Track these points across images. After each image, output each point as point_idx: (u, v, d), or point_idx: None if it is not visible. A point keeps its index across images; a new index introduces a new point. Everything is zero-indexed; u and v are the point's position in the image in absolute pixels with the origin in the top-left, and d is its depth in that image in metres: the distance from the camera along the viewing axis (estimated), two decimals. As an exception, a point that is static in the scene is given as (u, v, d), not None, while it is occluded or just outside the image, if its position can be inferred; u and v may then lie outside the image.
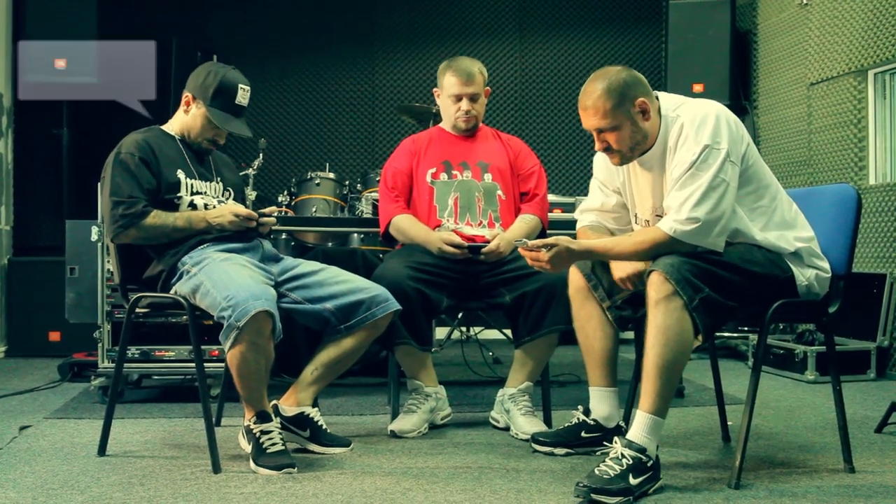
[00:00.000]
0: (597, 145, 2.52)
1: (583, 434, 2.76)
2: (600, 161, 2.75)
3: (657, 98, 2.51)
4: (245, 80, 2.91)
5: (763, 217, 2.48)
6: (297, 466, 2.54)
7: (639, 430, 2.32)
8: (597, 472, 2.27)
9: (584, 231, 2.78)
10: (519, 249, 2.56)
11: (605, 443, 2.67)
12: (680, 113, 2.45)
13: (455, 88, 3.31)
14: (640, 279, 2.53)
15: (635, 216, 2.67)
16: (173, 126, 2.95)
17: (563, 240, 2.47)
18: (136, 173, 2.73)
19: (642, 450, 2.29)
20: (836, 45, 4.90)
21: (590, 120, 2.47)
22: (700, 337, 2.34)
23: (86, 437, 3.01)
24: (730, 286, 2.36)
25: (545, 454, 2.75)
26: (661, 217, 2.47)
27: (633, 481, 2.25)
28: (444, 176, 3.32)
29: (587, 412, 2.78)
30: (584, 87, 2.49)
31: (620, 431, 2.73)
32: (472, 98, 3.31)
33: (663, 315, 2.29)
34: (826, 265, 2.52)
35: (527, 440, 2.89)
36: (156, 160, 2.78)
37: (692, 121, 2.40)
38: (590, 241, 2.54)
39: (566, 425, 2.82)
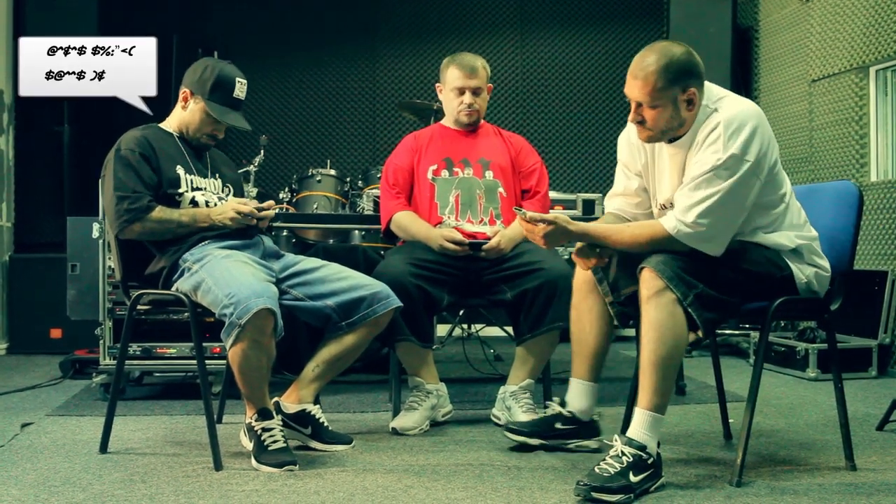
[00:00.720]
0: (631, 115, 2.44)
1: (557, 425, 2.76)
2: (624, 143, 2.70)
3: None
4: (242, 74, 2.91)
5: (772, 224, 2.46)
6: (298, 464, 2.54)
7: (638, 426, 2.32)
8: (597, 470, 2.27)
9: (605, 217, 2.75)
10: (518, 218, 2.54)
11: (578, 436, 2.74)
12: (719, 107, 2.38)
13: (458, 81, 3.30)
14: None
15: (655, 200, 2.62)
16: (171, 123, 2.95)
17: (561, 218, 2.44)
18: (138, 169, 2.73)
19: (642, 447, 2.28)
20: (837, 41, 4.89)
21: (635, 91, 2.39)
22: (701, 332, 2.33)
23: (87, 434, 3.01)
24: (725, 282, 2.35)
25: (518, 444, 2.75)
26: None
27: (633, 479, 2.24)
28: (445, 173, 3.31)
29: (563, 403, 2.78)
30: (642, 52, 2.39)
31: (595, 424, 2.76)
32: (475, 92, 3.31)
33: (655, 310, 2.30)
34: (826, 264, 2.51)
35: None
36: (155, 156, 2.78)
37: (728, 123, 2.32)
38: (589, 224, 2.51)
39: (541, 415, 2.82)
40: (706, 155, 2.34)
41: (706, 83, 2.44)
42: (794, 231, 2.48)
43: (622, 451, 2.29)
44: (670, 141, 2.47)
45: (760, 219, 2.45)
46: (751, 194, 2.35)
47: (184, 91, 2.89)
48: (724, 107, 2.38)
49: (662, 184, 2.57)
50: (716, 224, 2.32)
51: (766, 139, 2.36)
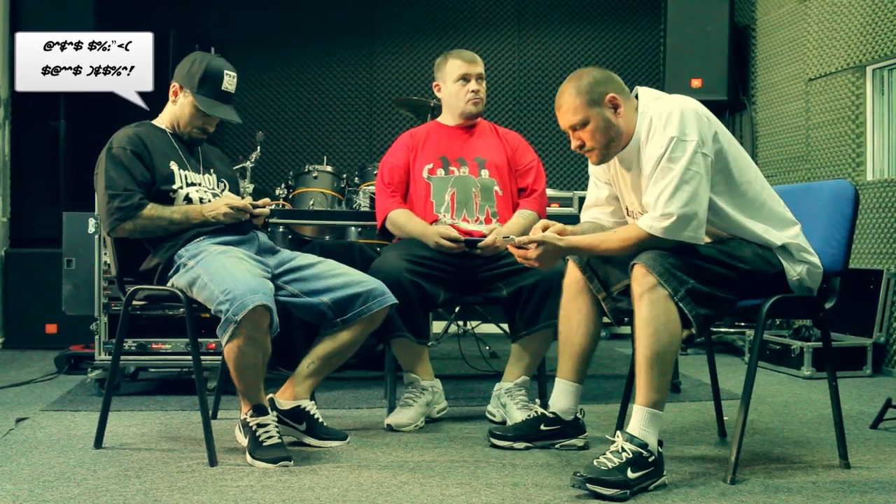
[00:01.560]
0: (572, 143, 2.54)
1: (542, 427, 2.77)
2: None
3: (637, 96, 2.53)
4: (231, 66, 2.91)
5: (748, 211, 2.48)
6: (293, 459, 2.54)
7: (637, 423, 2.32)
8: (595, 462, 2.27)
9: (581, 225, 2.78)
10: (507, 246, 2.57)
11: (564, 435, 2.75)
12: (650, 108, 2.46)
13: (462, 69, 3.32)
14: None
15: (626, 209, 2.67)
16: (163, 119, 2.94)
17: (549, 236, 2.48)
18: (130, 167, 2.73)
19: (643, 444, 2.28)
20: (834, 40, 4.90)
21: (563, 118, 2.51)
22: (694, 330, 2.34)
23: (82, 429, 3.01)
24: (717, 278, 2.37)
25: (504, 449, 2.75)
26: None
27: (631, 475, 2.24)
28: (440, 172, 3.31)
29: (545, 405, 2.79)
30: (559, 88, 2.53)
31: (579, 422, 2.77)
32: (479, 77, 3.34)
33: (648, 306, 2.31)
34: (816, 259, 2.52)
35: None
36: (148, 153, 2.78)
37: (660, 115, 2.40)
38: (576, 238, 2.54)
39: (525, 419, 2.83)
40: (651, 150, 2.41)
41: (644, 90, 2.54)
42: (776, 224, 2.50)
43: (623, 447, 2.29)
44: (618, 152, 2.53)
45: (735, 207, 2.46)
46: (705, 171, 2.37)
47: (174, 85, 2.89)
48: (654, 106, 2.46)
49: (628, 195, 2.63)
50: (683, 209, 2.33)
51: (703, 118, 2.41)
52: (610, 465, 2.26)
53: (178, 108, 2.89)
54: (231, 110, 2.91)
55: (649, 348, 2.30)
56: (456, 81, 3.33)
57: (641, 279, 2.32)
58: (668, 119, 2.38)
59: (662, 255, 2.33)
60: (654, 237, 2.37)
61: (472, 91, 3.32)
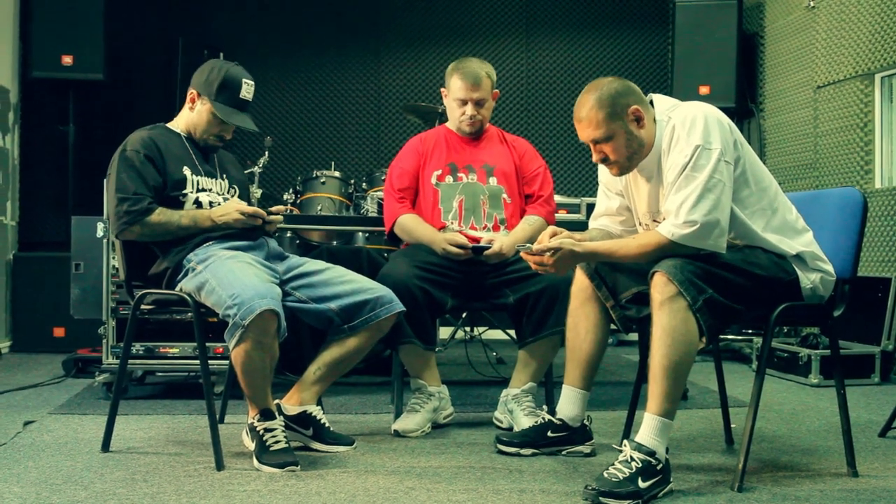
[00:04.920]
0: (594, 157, 2.52)
1: (549, 434, 2.76)
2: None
3: (652, 103, 2.51)
4: (249, 75, 2.92)
5: (762, 219, 2.47)
6: (300, 465, 2.54)
7: (647, 432, 2.31)
8: (605, 475, 2.27)
9: (589, 232, 2.78)
10: (521, 254, 2.56)
11: (570, 442, 2.74)
12: (671, 115, 2.45)
13: (461, 93, 3.29)
14: None
15: (638, 219, 2.67)
16: (178, 123, 2.95)
17: (566, 242, 2.46)
18: (142, 170, 2.74)
19: (651, 453, 2.28)
20: (843, 48, 4.90)
21: (584, 131, 2.48)
22: (704, 339, 2.33)
23: (89, 432, 3.01)
24: (734, 288, 2.36)
25: (511, 455, 2.74)
26: (659, 221, 2.48)
27: (642, 484, 2.24)
28: (449, 178, 3.32)
29: (553, 412, 2.79)
30: (578, 99, 2.50)
31: (586, 429, 2.77)
32: (478, 103, 3.30)
33: (668, 316, 2.29)
34: (830, 268, 2.51)
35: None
36: (161, 157, 2.79)
37: (682, 122, 2.39)
38: (594, 244, 2.53)
39: (532, 425, 2.83)
40: (675, 157, 2.39)
41: (658, 97, 2.53)
42: (790, 233, 2.49)
43: (631, 457, 2.28)
44: (639, 162, 2.52)
45: (750, 215, 2.46)
46: (728, 179, 2.37)
47: (191, 92, 2.90)
48: (675, 114, 2.45)
49: (641, 203, 2.61)
50: (706, 217, 2.33)
51: (725, 126, 2.40)
52: (621, 475, 2.25)
53: (195, 116, 2.90)
54: (248, 118, 2.92)
55: (666, 358, 2.29)
56: (454, 100, 3.33)
57: (662, 287, 2.30)
58: (691, 126, 2.37)
59: (684, 263, 2.31)
60: (675, 244, 2.36)
61: (468, 115, 3.32)
